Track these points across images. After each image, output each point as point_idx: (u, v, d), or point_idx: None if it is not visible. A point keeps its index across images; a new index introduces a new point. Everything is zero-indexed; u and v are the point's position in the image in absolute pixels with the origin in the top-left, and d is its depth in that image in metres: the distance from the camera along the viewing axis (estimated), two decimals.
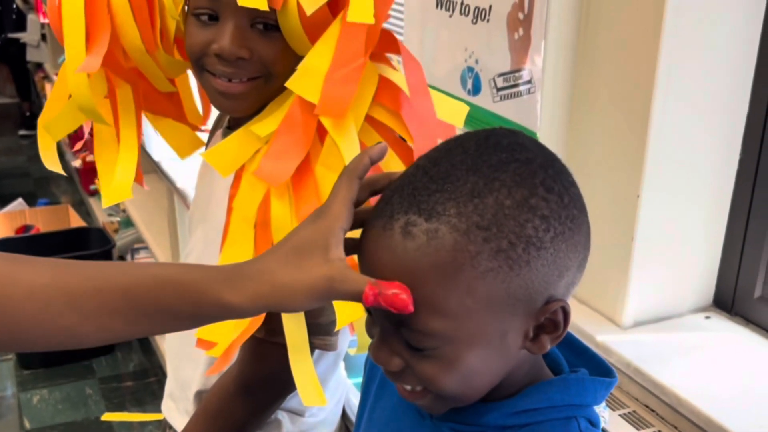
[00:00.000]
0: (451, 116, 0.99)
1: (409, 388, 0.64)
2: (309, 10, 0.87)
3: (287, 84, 0.89)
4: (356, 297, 0.59)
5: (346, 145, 0.89)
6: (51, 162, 1.11)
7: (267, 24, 0.92)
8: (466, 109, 1.00)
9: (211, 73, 0.95)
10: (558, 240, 0.58)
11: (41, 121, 1.08)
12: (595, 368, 0.69)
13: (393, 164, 0.96)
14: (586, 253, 0.63)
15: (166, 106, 1.17)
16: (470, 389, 0.63)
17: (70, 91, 1.02)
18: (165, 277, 0.63)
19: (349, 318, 0.94)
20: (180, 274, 0.63)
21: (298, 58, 0.92)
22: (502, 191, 0.57)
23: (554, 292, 0.60)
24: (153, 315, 0.63)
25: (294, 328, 0.95)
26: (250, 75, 0.94)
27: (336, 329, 0.96)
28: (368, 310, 0.64)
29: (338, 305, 0.94)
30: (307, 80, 0.88)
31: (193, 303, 0.62)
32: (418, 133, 0.92)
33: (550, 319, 0.61)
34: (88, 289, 0.63)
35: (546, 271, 0.58)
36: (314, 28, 0.90)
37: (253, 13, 0.90)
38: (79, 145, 1.13)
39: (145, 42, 1.02)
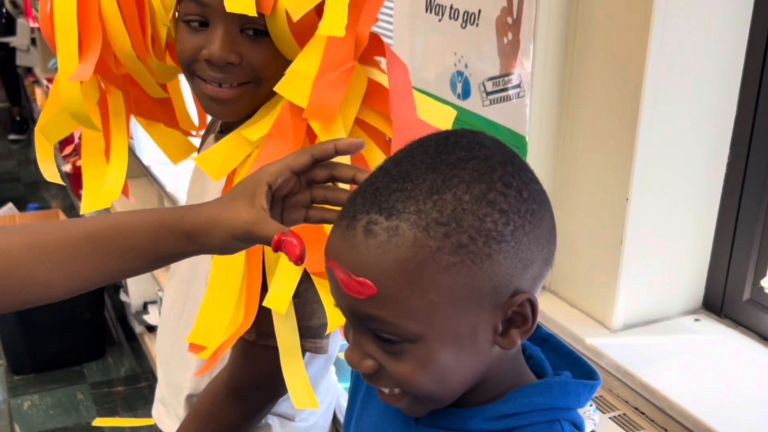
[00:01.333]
0: (439, 120, 1.00)
1: (387, 391, 0.65)
2: (296, 16, 0.88)
3: (276, 88, 0.89)
4: (267, 241, 0.67)
5: None
6: (49, 173, 1.13)
7: (257, 29, 0.92)
8: (453, 113, 1.00)
9: (201, 78, 0.95)
10: (518, 233, 0.59)
11: (38, 127, 1.08)
12: (579, 371, 0.70)
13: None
14: (552, 248, 0.64)
15: (158, 112, 1.17)
16: (445, 388, 0.63)
17: (63, 98, 1.02)
18: (126, 219, 0.73)
19: (340, 321, 0.94)
20: (140, 215, 0.74)
21: (288, 63, 0.93)
22: (460, 187, 0.58)
23: (520, 285, 0.60)
24: (116, 255, 0.72)
25: (285, 331, 0.95)
26: (239, 80, 0.94)
27: (326, 333, 0.96)
28: (345, 315, 0.65)
29: (329, 309, 0.94)
30: (295, 84, 0.88)
31: (151, 237, 0.72)
32: (398, 135, 0.92)
33: (518, 313, 0.61)
34: (59, 241, 0.71)
35: (509, 264, 0.59)
36: (303, 32, 0.91)
37: (243, 18, 0.90)
38: (68, 150, 1.14)
39: (135, 48, 1.03)
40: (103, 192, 1.08)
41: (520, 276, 0.60)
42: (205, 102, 0.98)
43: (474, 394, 0.66)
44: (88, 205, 1.08)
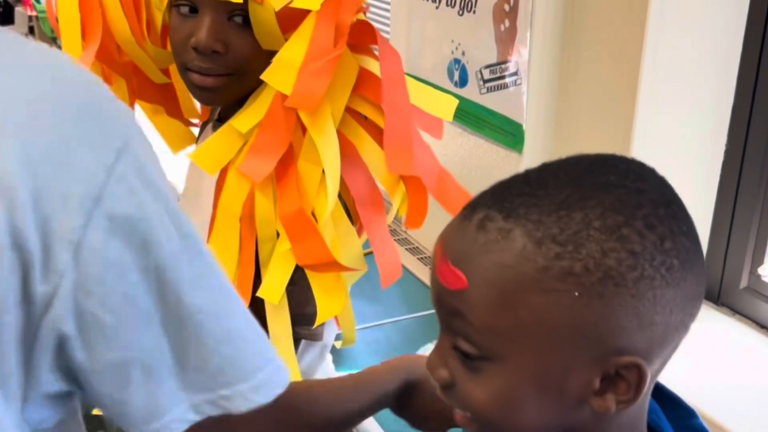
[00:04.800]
0: (440, 110, 0.99)
1: (461, 412, 0.59)
2: (277, 5, 0.88)
3: (263, 76, 0.89)
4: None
5: (323, 138, 0.90)
6: None
7: (245, 17, 0.92)
8: (455, 102, 1.00)
9: (189, 69, 0.96)
10: (643, 284, 0.51)
11: None
12: None
13: (376, 156, 0.96)
14: (686, 318, 0.55)
15: (161, 98, 1.18)
16: (515, 427, 0.56)
17: None
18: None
19: (330, 313, 0.94)
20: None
21: (273, 55, 0.93)
22: (594, 211, 0.51)
23: (630, 343, 0.52)
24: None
25: (277, 321, 0.95)
26: (224, 71, 0.95)
27: (315, 325, 0.96)
28: (433, 305, 0.59)
29: (320, 300, 0.94)
30: (281, 73, 0.89)
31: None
32: (390, 123, 0.92)
33: (621, 376, 0.53)
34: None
35: (623, 314, 0.51)
36: (288, 22, 0.91)
37: (230, 6, 0.90)
38: None
39: (134, 34, 1.03)
40: None
41: (633, 334, 0.52)
42: (192, 90, 0.99)
43: None
44: None
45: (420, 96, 0.98)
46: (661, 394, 0.63)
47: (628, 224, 0.51)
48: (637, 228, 0.51)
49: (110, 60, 1.08)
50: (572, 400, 0.54)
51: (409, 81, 0.98)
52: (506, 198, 0.54)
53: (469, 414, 0.58)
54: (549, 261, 0.51)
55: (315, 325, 0.96)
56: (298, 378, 0.96)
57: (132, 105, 1.14)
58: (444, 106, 1.00)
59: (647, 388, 0.54)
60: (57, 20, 1.04)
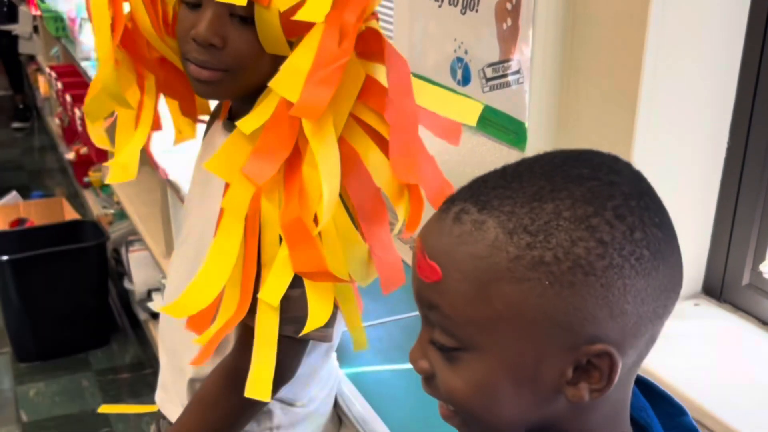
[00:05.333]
0: (464, 115, 1.00)
1: (444, 405, 0.60)
2: (283, 6, 0.89)
3: (271, 84, 0.90)
4: None
5: (322, 146, 0.91)
6: (98, 139, 1.20)
7: (245, 18, 0.93)
8: (479, 107, 1.00)
9: (189, 60, 0.98)
10: (612, 273, 0.52)
11: (84, 108, 1.17)
12: None
13: (380, 164, 0.96)
14: (659, 308, 0.56)
15: (179, 95, 1.20)
16: (495, 419, 0.57)
17: (100, 81, 1.08)
18: None
19: (320, 321, 0.95)
20: None
21: (271, 56, 0.94)
22: (565, 202, 0.53)
23: (602, 332, 0.53)
24: None
25: (267, 321, 0.96)
26: (220, 66, 0.96)
27: (302, 333, 0.97)
28: (415, 299, 0.61)
29: (313, 307, 0.95)
30: (289, 80, 0.89)
31: None
32: (395, 132, 0.93)
33: (593, 365, 0.54)
34: None
35: (593, 303, 0.52)
36: (292, 26, 0.91)
37: (231, 4, 0.91)
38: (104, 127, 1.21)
39: (154, 27, 1.07)
40: (122, 165, 1.13)
41: (604, 323, 0.53)
42: (192, 83, 1.01)
43: None
44: (114, 177, 1.13)
45: (442, 101, 0.99)
46: (652, 391, 0.63)
47: (598, 214, 0.52)
48: (607, 218, 0.52)
49: (140, 55, 1.11)
50: (547, 390, 0.55)
51: (430, 87, 0.98)
52: (482, 191, 0.55)
53: (451, 406, 0.59)
54: (520, 251, 0.52)
55: (301, 333, 0.97)
56: (268, 385, 0.97)
57: (158, 99, 1.19)
58: (468, 111, 1.00)
59: (621, 378, 0.55)
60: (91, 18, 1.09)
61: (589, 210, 0.53)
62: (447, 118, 0.99)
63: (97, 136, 1.19)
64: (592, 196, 0.53)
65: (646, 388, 0.64)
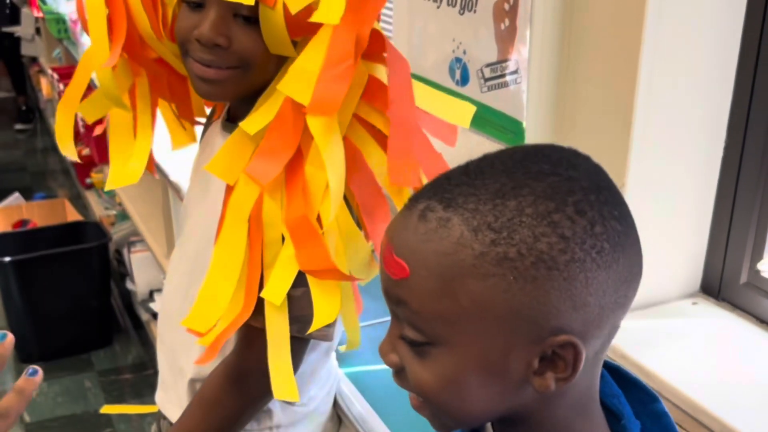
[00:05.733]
0: (457, 117, 1.00)
1: (415, 396, 0.62)
2: (294, 9, 0.89)
3: (279, 86, 0.91)
4: None
5: (328, 145, 0.91)
6: (66, 147, 1.18)
7: (249, 17, 0.93)
8: (472, 109, 1.01)
9: (192, 58, 0.98)
10: (574, 267, 0.54)
11: (79, 107, 1.14)
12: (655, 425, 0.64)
13: (382, 162, 0.97)
14: (620, 298, 0.57)
15: (176, 98, 1.20)
16: (464, 408, 0.59)
17: (98, 82, 1.08)
18: None
19: (326, 319, 0.96)
20: None
21: (276, 54, 0.94)
22: (527, 198, 0.54)
23: (566, 324, 0.55)
24: None
25: (276, 322, 0.97)
26: (227, 64, 0.96)
27: (310, 330, 0.97)
28: (384, 296, 0.62)
29: (317, 306, 0.95)
30: (298, 82, 0.90)
31: None
32: (395, 132, 0.93)
33: (559, 356, 0.56)
34: None
35: (556, 296, 0.54)
36: (297, 26, 0.92)
37: (236, 4, 0.91)
38: (99, 129, 1.20)
39: (153, 30, 1.07)
40: (127, 169, 1.12)
41: (567, 315, 0.55)
42: (194, 81, 1.00)
43: (528, 427, 0.61)
44: (113, 182, 1.12)
45: (436, 103, 0.99)
46: (624, 378, 0.65)
47: (559, 210, 0.54)
48: (568, 213, 0.54)
49: (138, 55, 1.11)
50: (514, 381, 0.57)
51: (424, 87, 0.99)
52: (446, 188, 0.57)
53: (421, 399, 0.60)
54: (485, 247, 0.54)
55: (310, 330, 0.97)
56: (293, 383, 0.97)
57: (155, 101, 1.18)
58: (461, 113, 1.01)
59: (586, 366, 0.57)
60: (86, 20, 1.08)
61: (551, 206, 0.54)
62: (444, 120, 0.99)
63: (68, 149, 1.17)
64: (552, 192, 0.55)
65: (618, 375, 0.65)
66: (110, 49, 1.05)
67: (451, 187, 0.57)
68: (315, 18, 0.88)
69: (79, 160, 1.24)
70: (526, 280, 0.54)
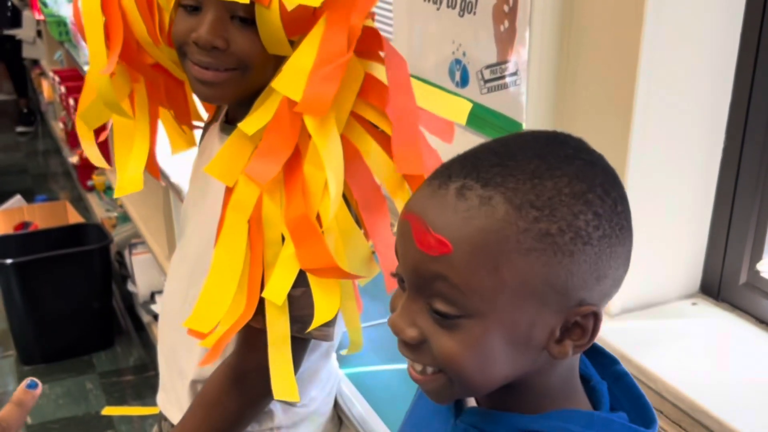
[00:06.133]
0: (454, 113, 1.01)
1: (419, 368, 0.64)
2: (290, 5, 0.89)
3: (273, 84, 0.91)
4: None
5: (326, 143, 0.91)
6: (92, 155, 1.20)
7: (246, 18, 0.94)
8: (468, 105, 1.01)
9: (191, 60, 0.98)
10: (604, 242, 0.59)
11: (78, 116, 1.15)
12: (640, 416, 0.67)
13: (380, 160, 0.97)
14: (623, 273, 0.63)
15: (173, 103, 1.21)
16: (484, 376, 0.61)
17: (96, 89, 1.08)
18: None
19: (326, 316, 0.96)
20: None
21: (274, 56, 0.95)
22: (562, 179, 0.58)
23: (589, 295, 0.60)
24: None
25: (277, 322, 0.97)
26: (225, 66, 0.97)
27: (311, 328, 0.97)
28: (400, 279, 0.64)
29: (319, 304, 0.96)
30: (291, 80, 0.90)
31: None
32: (398, 129, 0.93)
33: (579, 324, 0.60)
34: None
35: (586, 269, 0.58)
36: (293, 25, 0.92)
37: (233, 5, 0.92)
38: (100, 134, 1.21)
39: (150, 35, 1.07)
40: (128, 177, 1.13)
41: (592, 286, 0.59)
42: (193, 84, 1.01)
43: (514, 398, 0.65)
44: (121, 190, 1.13)
45: (432, 100, 0.99)
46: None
47: (591, 191, 0.59)
48: (598, 194, 0.59)
49: (138, 63, 1.11)
50: (536, 349, 0.61)
51: (421, 85, 0.99)
52: (480, 168, 0.59)
53: (431, 370, 0.62)
54: (529, 224, 0.57)
55: (310, 329, 0.97)
56: (293, 383, 0.98)
57: (152, 108, 1.18)
58: (457, 109, 1.01)
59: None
60: (83, 27, 1.08)
61: (584, 187, 0.59)
62: (440, 117, 0.99)
63: (93, 155, 1.19)
64: (583, 175, 0.59)
65: None
66: (107, 56, 1.05)
67: (486, 168, 0.59)
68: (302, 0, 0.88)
69: (108, 167, 1.25)
70: (564, 254, 0.57)
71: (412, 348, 0.63)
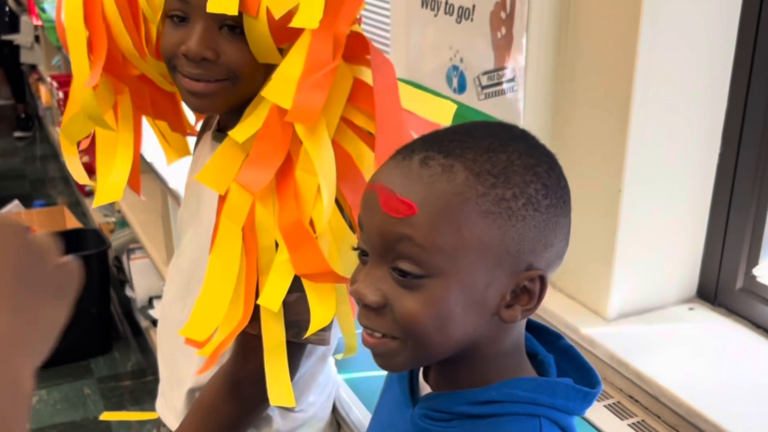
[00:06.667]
0: (438, 115, 1.01)
1: (378, 335, 0.67)
2: (278, 14, 0.90)
3: (263, 93, 0.91)
4: None
5: (318, 149, 0.92)
6: (74, 169, 1.18)
7: (234, 27, 0.94)
8: (453, 107, 1.01)
9: (181, 73, 0.98)
10: (551, 211, 0.65)
11: (62, 129, 1.15)
12: (585, 379, 0.71)
13: (370, 162, 0.98)
14: (565, 246, 0.69)
15: (165, 113, 1.20)
16: (441, 336, 0.65)
17: (79, 102, 1.08)
18: None
19: (323, 320, 0.96)
20: None
21: (264, 65, 0.95)
22: (514, 153, 0.64)
23: (537, 261, 0.65)
24: None
25: (272, 328, 0.97)
26: (216, 77, 0.97)
27: (308, 333, 0.98)
28: (362, 253, 0.68)
29: (314, 308, 0.96)
30: (281, 88, 0.90)
31: None
32: (382, 132, 0.94)
33: (527, 289, 0.66)
34: None
35: (536, 235, 0.64)
36: (281, 33, 0.92)
37: (221, 16, 0.92)
38: (85, 143, 1.19)
39: (136, 48, 1.06)
40: (110, 185, 1.12)
41: (539, 253, 0.65)
42: (184, 96, 1.01)
43: (465, 375, 0.70)
44: (100, 199, 1.12)
45: (417, 102, 1.00)
46: (531, 326, 0.76)
47: (539, 165, 0.65)
48: (545, 168, 0.65)
49: (120, 73, 1.11)
50: (489, 312, 0.66)
51: (406, 87, 0.99)
52: (442, 142, 0.65)
53: (395, 333, 0.66)
54: (486, 189, 0.63)
55: (307, 334, 0.97)
56: (289, 389, 0.98)
57: (137, 119, 1.17)
58: (442, 111, 1.01)
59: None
60: (65, 38, 1.07)
61: (533, 161, 0.65)
62: (427, 119, 1.00)
63: (76, 171, 1.17)
64: (530, 151, 0.65)
65: (526, 324, 0.74)
66: (91, 69, 1.05)
67: (447, 142, 0.65)
68: (295, 23, 0.89)
69: (91, 183, 1.24)
70: (518, 218, 0.63)
71: (374, 312, 0.66)
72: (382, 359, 0.69)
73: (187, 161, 1.26)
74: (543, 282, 0.66)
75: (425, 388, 0.76)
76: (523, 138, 0.67)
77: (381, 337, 0.67)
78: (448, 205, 0.62)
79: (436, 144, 0.65)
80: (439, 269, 0.63)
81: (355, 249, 0.70)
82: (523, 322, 0.71)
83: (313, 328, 0.96)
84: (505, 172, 0.63)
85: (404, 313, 0.65)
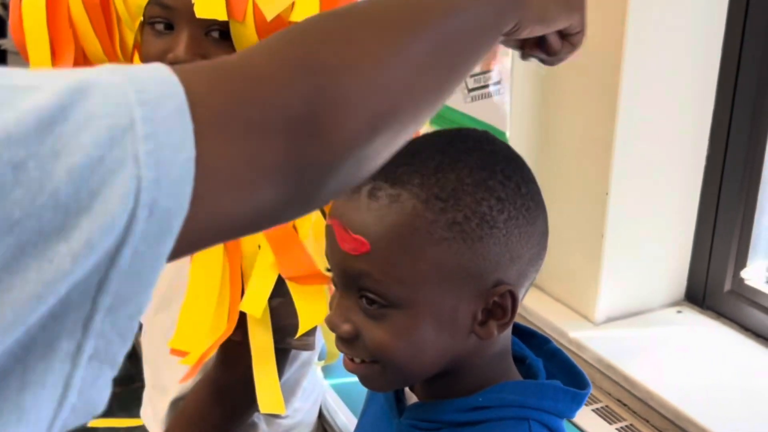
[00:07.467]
0: None
1: (358, 360, 0.67)
2: (269, 15, 0.89)
3: None
4: None
5: None
6: None
7: (222, 32, 0.93)
8: None
9: None
10: (511, 224, 0.62)
11: None
12: (573, 381, 0.70)
13: None
14: (542, 251, 0.67)
15: None
16: (416, 362, 0.65)
17: None
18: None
19: (313, 321, 0.95)
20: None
21: None
22: (464, 170, 0.62)
23: (504, 276, 0.63)
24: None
25: (259, 334, 0.96)
26: None
27: (297, 335, 0.97)
28: (334, 282, 0.68)
29: (302, 311, 0.95)
30: None
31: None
32: None
33: (499, 304, 0.64)
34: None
35: (498, 251, 0.62)
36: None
37: (208, 21, 0.90)
38: None
39: (106, 54, 1.03)
40: None
41: (506, 267, 0.63)
42: None
43: (452, 385, 0.68)
44: None
45: None
46: (520, 330, 0.75)
47: (492, 177, 0.62)
48: (499, 179, 0.62)
49: None
50: (462, 332, 0.65)
51: None
52: (389, 169, 0.61)
53: (367, 360, 0.66)
54: (436, 215, 0.61)
55: (296, 336, 0.96)
56: (279, 396, 0.97)
57: None
58: None
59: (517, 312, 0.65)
60: (24, 41, 1.01)
61: (484, 174, 0.62)
62: None
63: None
64: (483, 163, 0.63)
65: (514, 328, 0.73)
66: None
67: (393, 168, 0.61)
68: (293, 19, 0.88)
69: None
70: (474, 239, 0.61)
71: (348, 342, 0.66)
72: (365, 381, 0.69)
73: None
74: (513, 296, 0.64)
75: (411, 398, 0.75)
76: (478, 147, 0.64)
77: (360, 363, 0.67)
78: (400, 238, 0.61)
79: (383, 170, 0.58)
80: (403, 300, 0.63)
81: (328, 270, 0.69)
82: (509, 331, 0.70)
83: (302, 329, 0.95)
84: (455, 194, 0.61)
85: (374, 344, 0.64)
